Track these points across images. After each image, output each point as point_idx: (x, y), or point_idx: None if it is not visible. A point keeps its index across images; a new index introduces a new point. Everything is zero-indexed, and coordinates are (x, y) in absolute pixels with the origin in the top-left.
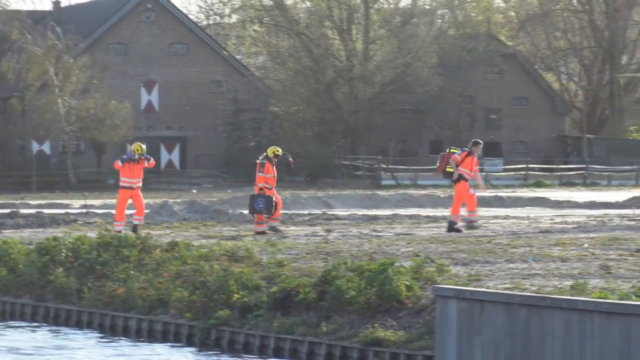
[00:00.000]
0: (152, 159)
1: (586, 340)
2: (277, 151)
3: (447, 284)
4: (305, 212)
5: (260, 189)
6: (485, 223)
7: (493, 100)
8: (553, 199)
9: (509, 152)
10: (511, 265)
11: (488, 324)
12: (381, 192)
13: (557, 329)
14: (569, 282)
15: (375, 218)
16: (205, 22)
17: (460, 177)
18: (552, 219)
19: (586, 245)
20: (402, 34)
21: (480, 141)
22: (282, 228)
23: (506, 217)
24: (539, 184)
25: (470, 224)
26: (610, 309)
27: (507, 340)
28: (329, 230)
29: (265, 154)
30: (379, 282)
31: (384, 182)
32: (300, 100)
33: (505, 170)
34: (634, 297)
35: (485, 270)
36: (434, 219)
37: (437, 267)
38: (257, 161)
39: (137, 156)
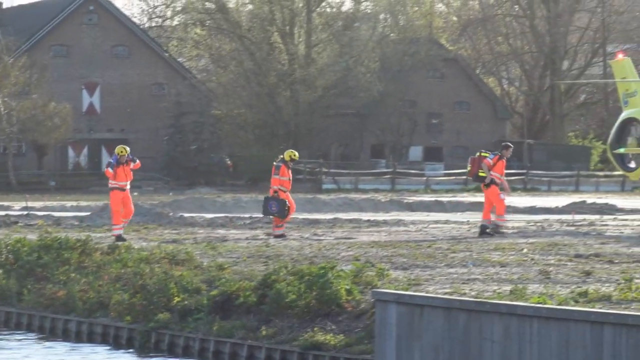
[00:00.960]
0: (137, 160)
1: (525, 345)
2: (294, 155)
3: (387, 289)
4: (247, 215)
5: (275, 191)
6: (425, 228)
7: (434, 104)
8: None
9: (450, 157)
10: (451, 270)
11: (427, 328)
12: (322, 196)
13: (496, 333)
14: (508, 287)
15: (316, 222)
16: (147, 25)
17: (492, 182)
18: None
19: (525, 250)
20: (344, 38)
21: (511, 144)
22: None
23: (446, 222)
24: (479, 189)
25: (498, 229)
26: (549, 314)
27: (446, 344)
28: (269, 234)
29: (281, 156)
30: (319, 286)
31: (325, 186)
32: (242, 103)
33: (446, 174)
34: (572, 303)
35: (425, 275)
36: (375, 223)
37: (377, 272)
38: (274, 163)
39: (125, 159)
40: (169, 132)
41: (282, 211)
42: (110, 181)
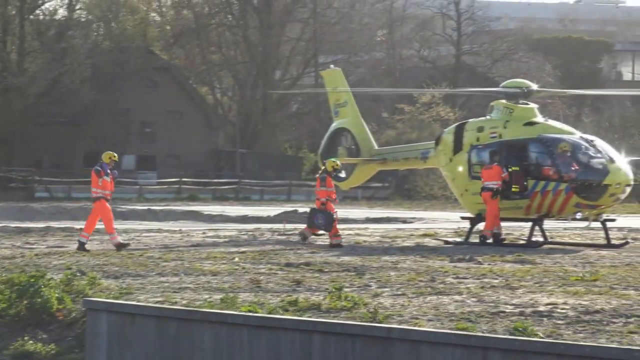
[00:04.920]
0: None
1: (235, 354)
2: (337, 165)
3: (98, 297)
4: None
5: (323, 203)
6: (138, 236)
7: (147, 113)
8: (206, 212)
9: (163, 166)
10: (163, 279)
11: (139, 337)
12: (35, 205)
13: (206, 342)
14: (219, 296)
15: (28, 230)
16: None
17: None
18: (204, 233)
19: (237, 259)
20: (56, 46)
21: None
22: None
23: (159, 231)
24: (192, 198)
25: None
26: (258, 322)
27: (157, 354)
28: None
29: (324, 167)
30: (29, 295)
31: (37, 195)
32: None
33: (159, 183)
34: (281, 311)
35: (137, 284)
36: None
37: (89, 280)
38: (317, 176)
39: (112, 164)
40: None
41: (329, 224)
42: (95, 189)
